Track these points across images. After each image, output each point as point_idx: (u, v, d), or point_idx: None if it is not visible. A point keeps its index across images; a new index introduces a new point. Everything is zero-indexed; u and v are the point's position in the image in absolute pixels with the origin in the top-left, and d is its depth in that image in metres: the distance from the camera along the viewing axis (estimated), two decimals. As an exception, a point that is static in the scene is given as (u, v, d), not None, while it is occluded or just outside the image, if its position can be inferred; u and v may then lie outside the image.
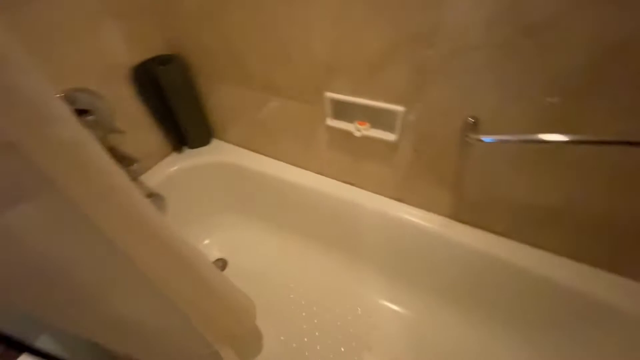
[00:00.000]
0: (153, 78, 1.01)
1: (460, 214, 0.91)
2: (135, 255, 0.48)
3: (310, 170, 1.11)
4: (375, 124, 0.86)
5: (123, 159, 1.01)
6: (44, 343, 0.28)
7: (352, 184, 1.05)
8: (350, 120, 0.89)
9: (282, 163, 1.16)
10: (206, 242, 1.31)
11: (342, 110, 0.89)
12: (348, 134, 0.88)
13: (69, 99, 0.86)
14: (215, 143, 1.27)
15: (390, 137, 0.84)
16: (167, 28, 1.00)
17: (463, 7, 0.58)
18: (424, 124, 0.78)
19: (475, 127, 0.69)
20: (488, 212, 0.86)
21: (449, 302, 1.03)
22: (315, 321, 1.08)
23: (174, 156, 1.22)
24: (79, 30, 0.84)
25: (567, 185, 0.70)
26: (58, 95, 0.85)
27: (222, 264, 1.28)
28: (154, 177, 1.13)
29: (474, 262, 0.90)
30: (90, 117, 0.90)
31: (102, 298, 0.38)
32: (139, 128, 1.08)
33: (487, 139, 0.64)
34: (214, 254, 1.29)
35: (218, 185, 1.26)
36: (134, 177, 1.10)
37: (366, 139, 0.86)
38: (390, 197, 1.00)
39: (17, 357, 0.36)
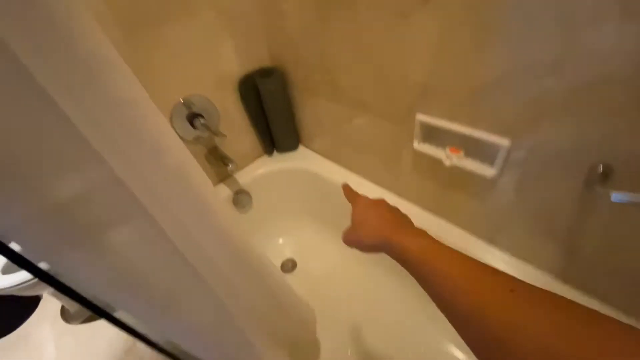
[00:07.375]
0: (255, 88, 1.11)
1: (567, 274, 0.74)
2: (216, 263, 0.53)
3: (390, 191, 1.06)
4: (470, 154, 0.76)
5: (222, 159, 1.15)
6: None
7: (435, 214, 0.96)
8: (441, 145, 0.81)
9: (361, 178, 1.14)
10: (280, 241, 1.39)
11: (434, 135, 0.82)
12: (436, 160, 0.80)
13: (187, 103, 1.01)
14: (301, 150, 1.33)
15: (487, 171, 0.73)
16: (272, 43, 1.09)
17: (605, 32, 0.46)
18: (534, 165, 0.65)
19: (605, 178, 0.54)
20: (605, 280, 0.67)
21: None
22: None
23: (264, 159, 1.32)
24: (202, 45, 0.97)
25: None
26: (180, 100, 1.00)
27: (291, 264, 1.34)
28: (246, 176, 1.25)
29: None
30: (202, 120, 1.05)
31: (171, 304, 0.43)
32: (239, 132, 1.20)
33: (618, 195, 0.50)
34: (286, 254, 1.36)
35: (299, 189, 1.32)
36: (230, 175, 1.24)
37: (457, 169, 0.77)
38: (480, 237, 0.88)
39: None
